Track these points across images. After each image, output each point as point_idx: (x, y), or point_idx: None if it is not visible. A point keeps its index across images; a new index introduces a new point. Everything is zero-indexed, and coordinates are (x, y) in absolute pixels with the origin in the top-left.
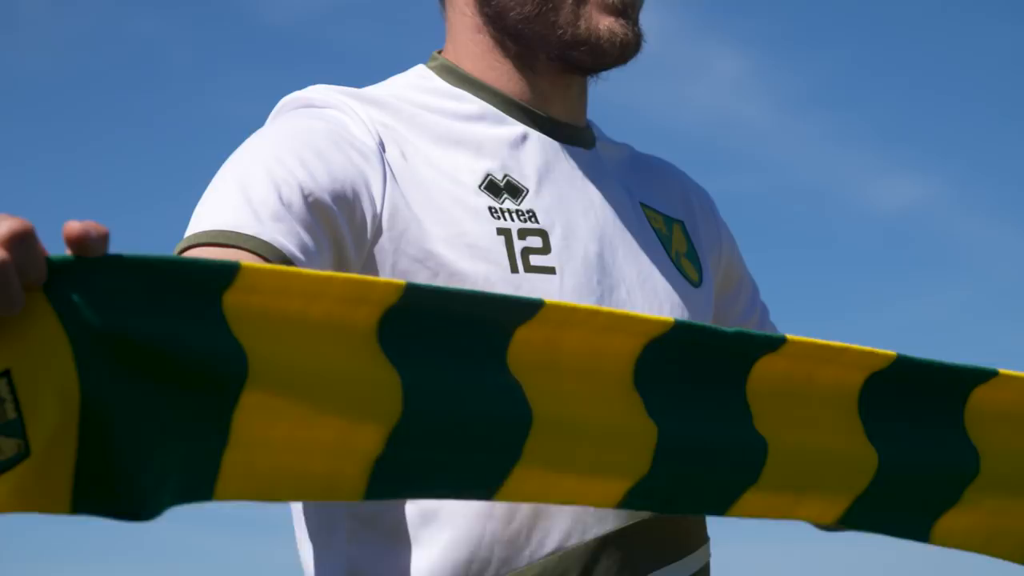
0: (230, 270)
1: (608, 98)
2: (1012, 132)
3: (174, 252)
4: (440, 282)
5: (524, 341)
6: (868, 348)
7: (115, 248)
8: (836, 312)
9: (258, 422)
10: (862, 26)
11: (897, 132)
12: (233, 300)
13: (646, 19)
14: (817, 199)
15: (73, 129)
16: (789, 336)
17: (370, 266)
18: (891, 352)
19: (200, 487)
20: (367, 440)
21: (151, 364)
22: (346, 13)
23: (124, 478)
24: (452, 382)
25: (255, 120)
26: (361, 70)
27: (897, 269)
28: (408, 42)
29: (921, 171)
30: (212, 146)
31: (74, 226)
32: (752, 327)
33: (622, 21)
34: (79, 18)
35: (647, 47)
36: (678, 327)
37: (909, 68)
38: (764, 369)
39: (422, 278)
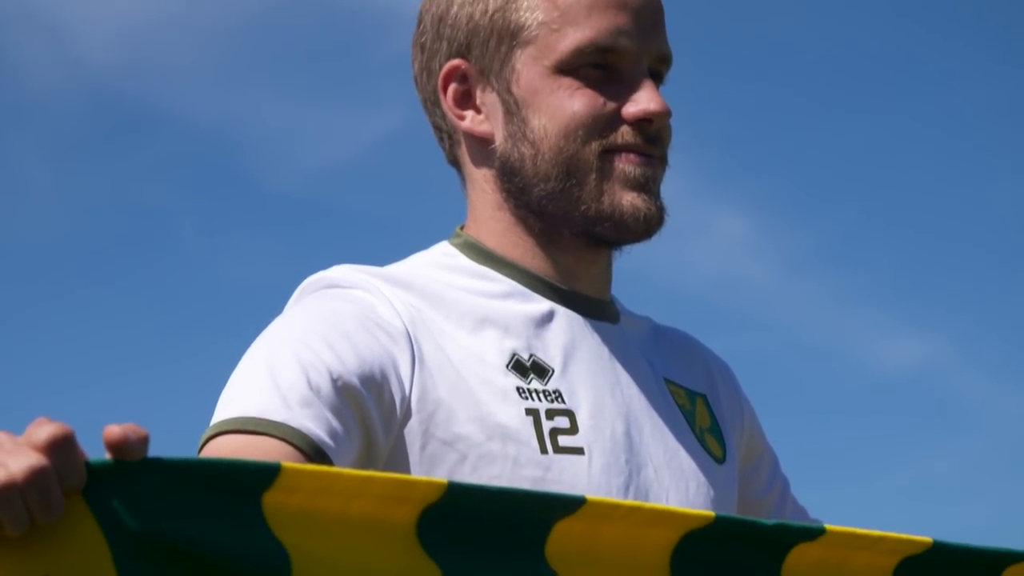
0: (271, 471)
1: (619, 257)
2: (1018, 289)
3: (201, 439)
4: (469, 463)
5: (563, 533)
6: (906, 536)
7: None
8: (844, 472)
9: None
10: (867, 186)
11: (903, 290)
12: (273, 500)
13: None
14: (823, 359)
15: (80, 300)
16: (828, 526)
17: (399, 448)
18: (927, 539)
19: None
20: None
21: (192, 567)
22: (350, 178)
23: None
24: (492, 573)
25: (264, 286)
26: (367, 234)
27: (905, 428)
28: (414, 206)
29: (927, 329)
30: (222, 314)
31: (114, 431)
32: (773, 500)
33: (644, 196)
34: (85, 187)
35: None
36: (719, 521)
37: (914, 227)
38: (799, 556)
39: (451, 460)
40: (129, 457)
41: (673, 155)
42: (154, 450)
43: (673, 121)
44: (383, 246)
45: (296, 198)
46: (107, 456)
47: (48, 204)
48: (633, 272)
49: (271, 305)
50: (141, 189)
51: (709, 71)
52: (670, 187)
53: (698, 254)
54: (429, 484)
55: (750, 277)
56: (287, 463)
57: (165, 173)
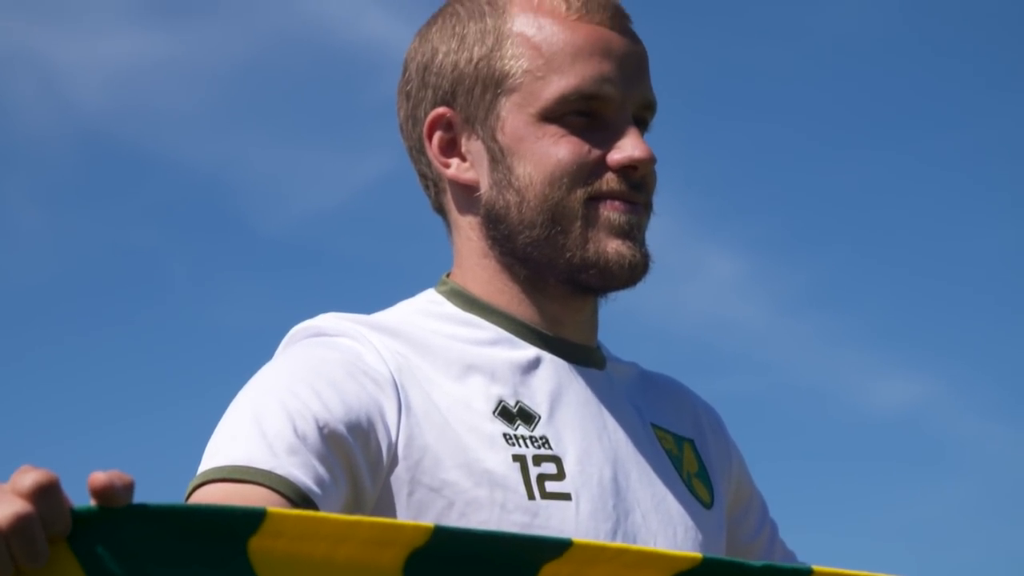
0: (257, 516)
1: (606, 304)
2: (1010, 329)
3: (189, 487)
4: (457, 509)
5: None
6: None
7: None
8: (835, 513)
9: None
10: (858, 226)
11: (895, 331)
12: (259, 546)
13: None
14: (815, 399)
15: (71, 344)
16: (815, 567)
17: (386, 495)
18: None
19: None
20: None
21: None
22: (342, 222)
23: None
24: None
25: (256, 330)
26: (358, 278)
27: (898, 470)
28: (405, 250)
29: (920, 370)
30: (214, 358)
31: (99, 477)
32: (762, 545)
33: (630, 243)
34: (77, 231)
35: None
36: (706, 563)
37: (905, 267)
38: None
39: (438, 507)
40: (114, 504)
41: (664, 196)
42: (143, 496)
43: (664, 162)
44: (374, 290)
45: (287, 242)
46: (92, 503)
47: (40, 247)
48: (625, 314)
49: (263, 349)
50: (132, 233)
51: (700, 113)
52: (660, 229)
53: (689, 295)
54: (416, 528)
55: (741, 318)
56: (272, 508)
57: (156, 217)
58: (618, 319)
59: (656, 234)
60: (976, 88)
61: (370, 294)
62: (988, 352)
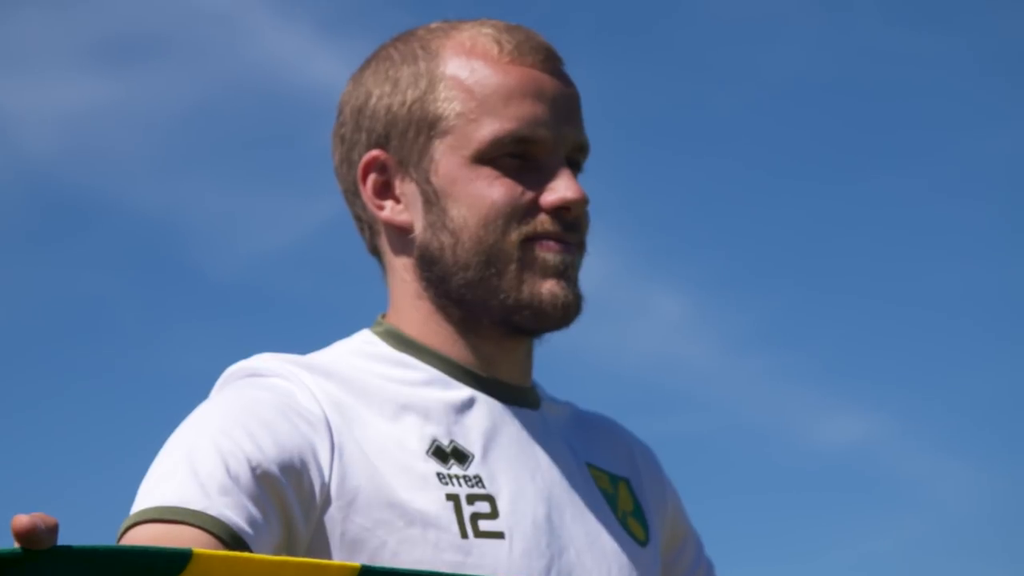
0: (182, 557)
1: (551, 343)
2: (959, 364)
3: (120, 528)
4: (390, 548)
5: None
6: None
7: (61, 517)
8: (785, 551)
9: None
10: (805, 263)
11: (843, 367)
12: None
13: (589, 262)
14: (764, 438)
15: (18, 391)
16: None
17: (319, 535)
18: None
19: None
20: None
21: None
22: (293, 264)
23: None
24: None
25: (208, 375)
26: (310, 321)
27: (848, 506)
28: (355, 291)
29: (869, 406)
30: (163, 403)
31: (22, 520)
32: None
33: (563, 284)
34: (24, 277)
35: (590, 290)
36: None
37: (853, 303)
38: None
39: (372, 546)
40: (37, 546)
41: (610, 235)
42: (83, 539)
43: (610, 202)
44: (326, 331)
45: (238, 285)
46: (15, 545)
47: None
48: (571, 353)
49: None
50: (81, 278)
51: (645, 151)
52: (606, 268)
53: (636, 334)
54: (342, 568)
55: (688, 357)
56: (198, 549)
57: (106, 262)
58: (564, 359)
59: (602, 273)
60: (923, 127)
61: (321, 335)
62: (938, 385)
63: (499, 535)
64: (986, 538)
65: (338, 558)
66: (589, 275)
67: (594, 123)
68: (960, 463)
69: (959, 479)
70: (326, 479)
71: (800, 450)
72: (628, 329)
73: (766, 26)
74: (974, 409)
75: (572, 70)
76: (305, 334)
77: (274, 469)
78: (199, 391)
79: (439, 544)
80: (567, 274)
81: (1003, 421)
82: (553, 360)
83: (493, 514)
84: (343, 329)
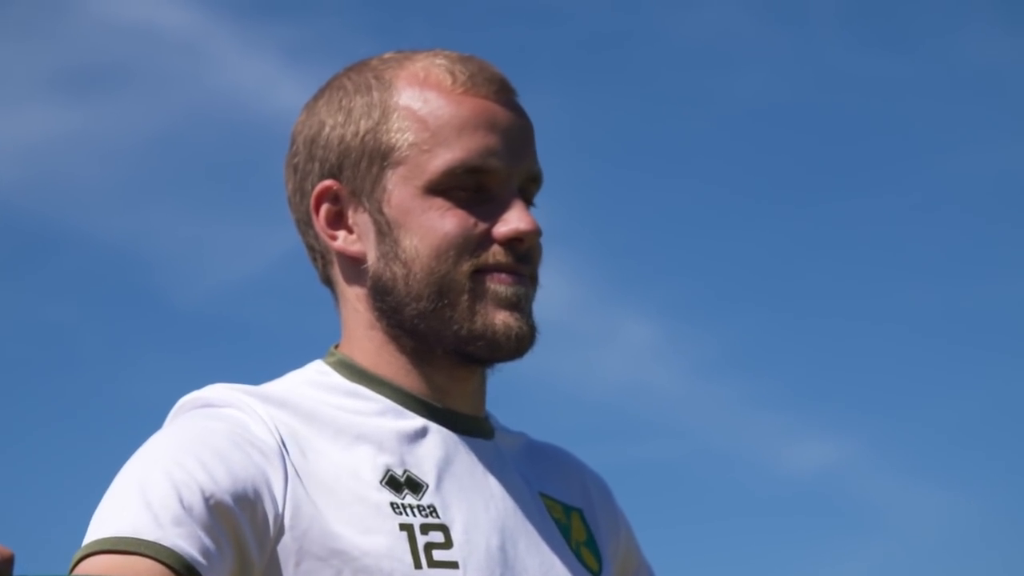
0: None
1: (517, 369)
2: (927, 389)
3: (73, 560)
4: None
5: None
6: None
7: (18, 549)
8: None
9: None
10: (772, 288)
11: (812, 392)
12: None
13: (556, 289)
14: (732, 464)
15: None
16: None
17: (273, 566)
18: None
19: None
20: None
21: None
22: (256, 293)
23: None
24: None
25: (171, 404)
26: (275, 349)
27: (817, 531)
28: (321, 319)
29: (837, 431)
30: (128, 433)
31: None
32: None
33: (517, 315)
34: None
35: (558, 317)
36: None
37: (821, 328)
38: None
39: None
40: None
41: (576, 263)
42: (48, 570)
43: (579, 227)
44: (291, 360)
45: (203, 314)
46: None
47: None
48: (538, 380)
49: None
50: (45, 308)
51: (611, 179)
52: (573, 295)
53: (604, 361)
54: None
55: (657, 383)
56: None
57: (70, 292)
58: (533, 386)
59: (569, 300)
60: (889, 149)
61: (289, 364)
62: (907, 410)
63: (453, 565)
64: (955, 562)
65: None
66: (557, 302)
67: (561, 149)
68: (929, 487)
69: (928, 503)
70: (280, 509)
71: (769, 476)
72: (596, 355)
73: (731, 50)
74: (942, 433)
75: (537, 97)
76: (272, 363)
77: (228, 499)
78: (164, 421)
79: (393, 574)
80: (520, 306)
81: (971, 445)
82: (521, 387)
83: (447, 544)
84: (309, 357)
